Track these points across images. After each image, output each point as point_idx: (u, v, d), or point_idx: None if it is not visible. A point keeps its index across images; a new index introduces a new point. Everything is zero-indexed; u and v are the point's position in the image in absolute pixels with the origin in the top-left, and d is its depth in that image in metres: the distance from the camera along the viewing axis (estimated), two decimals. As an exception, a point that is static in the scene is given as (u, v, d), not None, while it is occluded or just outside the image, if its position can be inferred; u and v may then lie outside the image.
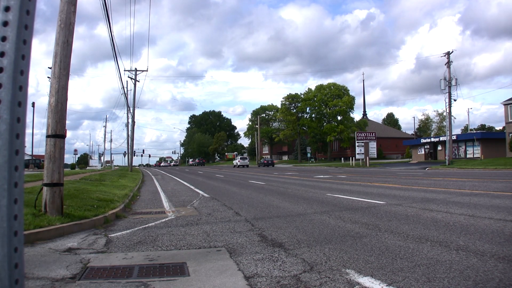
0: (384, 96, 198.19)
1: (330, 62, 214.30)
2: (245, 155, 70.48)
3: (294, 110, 77.90)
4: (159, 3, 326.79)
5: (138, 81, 45.11)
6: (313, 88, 75.62)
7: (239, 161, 64.34)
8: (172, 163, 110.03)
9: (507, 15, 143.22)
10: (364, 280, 3.60)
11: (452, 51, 39.78)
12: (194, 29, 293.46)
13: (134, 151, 52.52)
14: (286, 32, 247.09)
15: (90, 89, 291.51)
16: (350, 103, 69.21)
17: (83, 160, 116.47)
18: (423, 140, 58.27)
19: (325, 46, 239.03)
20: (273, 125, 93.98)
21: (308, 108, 75.94)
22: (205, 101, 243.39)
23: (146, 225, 7.24)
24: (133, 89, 42.89)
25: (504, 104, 45.36)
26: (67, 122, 7.66)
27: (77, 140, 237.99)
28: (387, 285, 3.44)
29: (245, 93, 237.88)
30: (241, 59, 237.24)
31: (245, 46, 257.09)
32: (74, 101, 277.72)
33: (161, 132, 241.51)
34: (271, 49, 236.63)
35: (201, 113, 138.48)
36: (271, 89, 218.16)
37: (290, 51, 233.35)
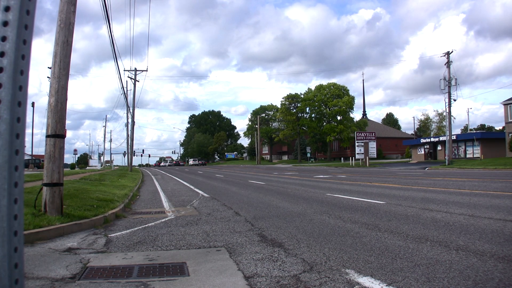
0: (386, 96, 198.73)
1: (334, 62, 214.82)
2: (198, 158, 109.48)
3: (294, 110, 77.88)
4: (166, 3, 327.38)
5: (138, 81, 45.14)
6: (313, 88, 75.71)
7: (192, 161, 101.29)
8: (167, 164, 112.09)
9: (510, 16, 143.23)
10: (364, 280, 3.60)
11: (452, 51, 39.78)
12: (201, 29, 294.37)
13: (134, 151, 52.52)
14: (292, 32, 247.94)
15: (93, 88, 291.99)
16: (350, 103, 69.20)
17: (83, 160, 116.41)
18: (423, 140, 58.26)
19: (329, 46, 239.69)
20: (273, 125, 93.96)
21: (308, 108, 75.92)
22: (208, 101, 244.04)
23: (146, 225, 7.25)
24: (133, 89, 42.95)
25: (504, 104, 45.38)
26: (67, 122, 7.68)
27: (77, 140, 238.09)
28: (387, 285, 3.44)
29: (248, 93, 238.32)
30: (246, 59, 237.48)
31: (250, 46, 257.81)
32: (77, 101, 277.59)
33: (162, 132, 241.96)
34: (276, 49, 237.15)
35: (200, 113, 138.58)
36: (274, 89, 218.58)
37: (295, 51, 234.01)
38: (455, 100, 38.94)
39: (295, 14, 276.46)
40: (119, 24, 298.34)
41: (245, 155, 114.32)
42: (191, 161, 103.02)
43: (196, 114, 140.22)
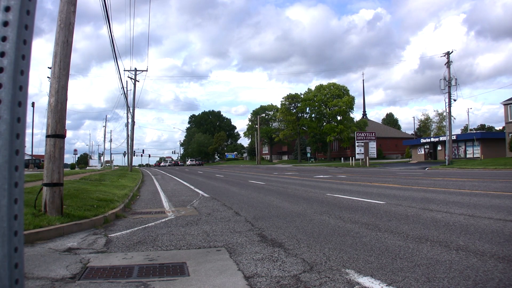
0: (386, 96, 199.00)
1: (334, 62, 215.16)
2: (195, 158, 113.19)
3: (294, 110, 77.88)
4: (167, 3, 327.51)
5: (138, 81, 45.17)
6: (313, 88, 75.72)
7: (189, 161, 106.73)
8: (167, 164, 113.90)
9: (510, 16, 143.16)
10: (364, 280, 3.60)
11: (452, 51, 39.80)
12: (201, 29, 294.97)
13: (134, 151, 52.53)
14: (293, 32, 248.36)
15: (93, 88, 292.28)
16: (350, 103, 69.21)
17: (83, 160, 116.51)
18: (423, 140, 58.27)
19: (330, 46, 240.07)
20: (273, 125, 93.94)
21: (308, 108, 75.93)
22: (208, 101, 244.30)
23: (146, 225, 7.25)
24: (133, 89, 42.96)
25: (504, 104, 45.38)
26: (68, 122, 7.69)
27: (77, 140, 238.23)
28: (387, 285, 3.44)
29: (248, 93, 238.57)
30: (247, 59, 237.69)
31: (251, 46, 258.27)
32: (77, 101, 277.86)
33: (162, 132, 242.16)
34: (277, 49, 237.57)
35: (200, 113, 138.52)
36: (275, 89, 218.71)
37: (295, 51, 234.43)
38: (455, 100, 38.98)
39: (295, 14, 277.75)
40: (119, 24, 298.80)
41: (245, 155, 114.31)
42: (188, 161, 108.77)
43: (196, 114, 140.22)
